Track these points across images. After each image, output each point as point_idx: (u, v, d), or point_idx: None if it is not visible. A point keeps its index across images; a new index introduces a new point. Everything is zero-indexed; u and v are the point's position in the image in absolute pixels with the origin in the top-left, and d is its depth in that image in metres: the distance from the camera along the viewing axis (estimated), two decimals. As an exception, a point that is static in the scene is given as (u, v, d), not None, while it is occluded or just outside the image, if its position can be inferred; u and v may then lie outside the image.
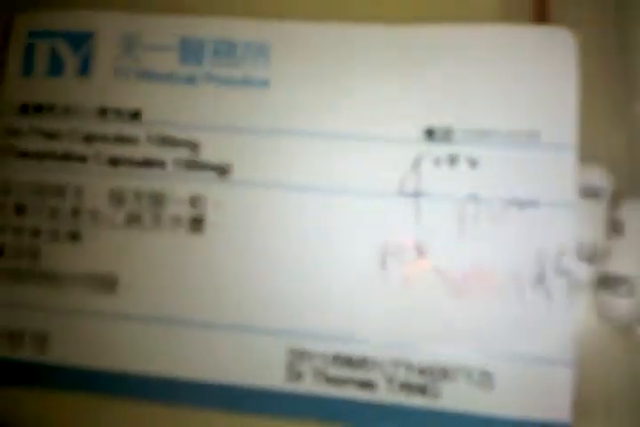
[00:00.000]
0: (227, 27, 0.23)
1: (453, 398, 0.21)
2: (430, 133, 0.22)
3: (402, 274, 0.21)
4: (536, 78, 0.22)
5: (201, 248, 0.23)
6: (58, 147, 0.23)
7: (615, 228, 0.20)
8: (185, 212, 0.23)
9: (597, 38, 0.22)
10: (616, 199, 0.21)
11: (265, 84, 0.23)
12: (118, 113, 0.23)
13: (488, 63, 0.22)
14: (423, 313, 0.21)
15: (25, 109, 0.24)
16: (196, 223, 0.23)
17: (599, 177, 0.21)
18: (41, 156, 0.23)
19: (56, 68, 0.24)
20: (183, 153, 0.23)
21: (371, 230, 0.22)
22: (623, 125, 0.21)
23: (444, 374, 0.21)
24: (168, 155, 0.23)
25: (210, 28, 0.23)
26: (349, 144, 0.22)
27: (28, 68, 0.24)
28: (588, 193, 0.21)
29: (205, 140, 0.23)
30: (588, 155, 0.21)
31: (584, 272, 0.20)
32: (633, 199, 0.21)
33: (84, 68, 0.23)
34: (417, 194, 0.22)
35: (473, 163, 0.21)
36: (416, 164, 0.22)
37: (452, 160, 0.22)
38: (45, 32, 0.24)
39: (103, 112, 0.23)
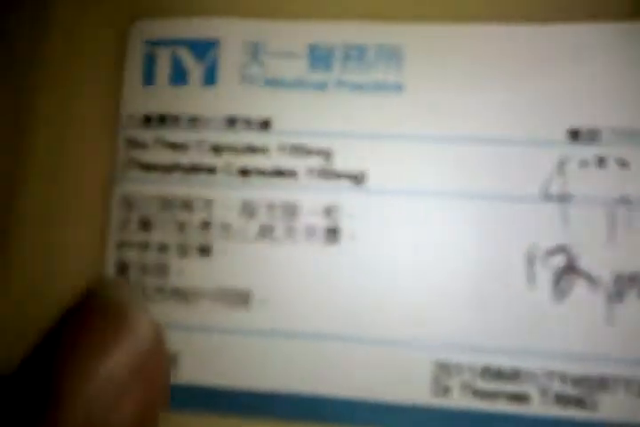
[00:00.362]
0: (357, 31, 0.23)
1: (611, 409, 0.20)
2: (575, 135, 0.21)
3: (551, 282, 0.21)
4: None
5: (337, 260, 0.22)
6: (184, 158, 0.23)
7: None
8: (319, 222, 0.22)
9: None
10: None
11: (399, 88, 0.22)
12: (247, 122, 0.23)
13: (632, 61, 0.22)
14: (576, 320, 0.21)
15: (148, 121, 0.23)
16: (332, 234, 0.22)
17: None
18: (167, 168, 0.23)
19: (179, 77, 0.23)
20: (316, 162, 0.22)
21: (515, 237, 0.21)
22: None
23: (601, 384, 0.20)
24: (300, 164, 0.22)
25: (339, 33, 0.23)
26: (489, 148, 0.22)
27: (148, 79, 0.23)
28: None
29: (338, 148, 0.22)
30: None
31: None
32: None
33: (210, 77, 0.23)
34: (563, 198, 0.21)
35: (623, 164, 0.21)
36: (560, 166, 0.21)
37: (600, 162, 0.21)
38: (166, 40, 0.23)
39: (231, 122, 0.23)
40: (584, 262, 0.21)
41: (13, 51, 0.24)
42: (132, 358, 0.14)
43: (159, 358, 0.15)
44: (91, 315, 0.15)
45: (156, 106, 0.23)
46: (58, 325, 0.15)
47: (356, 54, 0.23)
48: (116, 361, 0.14)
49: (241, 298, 0.22)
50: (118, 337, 0.14)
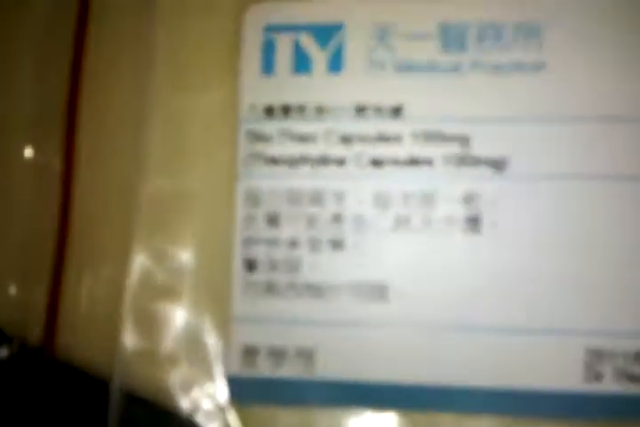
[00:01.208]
0: (490, 8, 0.22)
1: None
2: None
3: None
4: None
5: (478, 249, 0.22)
6: (312, 150, 0.22)
7: None
8: (458, 211, 0.22)
9: None
10: None
11: (539, 68, 0.22)
12: (377, 110, 0.22)
13: None
14: None
15: (270, 112, 0.23)
16: (472, 223, 0.22)
17: None
18: (293, 161, 0.23)
19: (302, 64, 0.23)
20: (453, 149, 0.22)
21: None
22: None
23: None
24: (436, 152, 0.22)
25: (472, 11, 0.22)
26: (636, 127, 0.21)
27: (268, 67, 0.23)
28: None
29: (477, 134, 0.22)
30: None
31: None
32: None
33: (336, 64, 0.23)
34: None
35: None
36: None
37: None
38: (286, 26, 0.23)
39: (361, 110, 0.22)
40: None
41: (124, 45, 0.24)
42: None
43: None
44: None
45: (278, 96, 0.23)
46: None
47: (491, 33, 0.22)
48: None
49: (377, 291, 0.22)
50: None
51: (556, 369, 0.21)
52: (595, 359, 0.21)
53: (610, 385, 0.21)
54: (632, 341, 0.21)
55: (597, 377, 0.21)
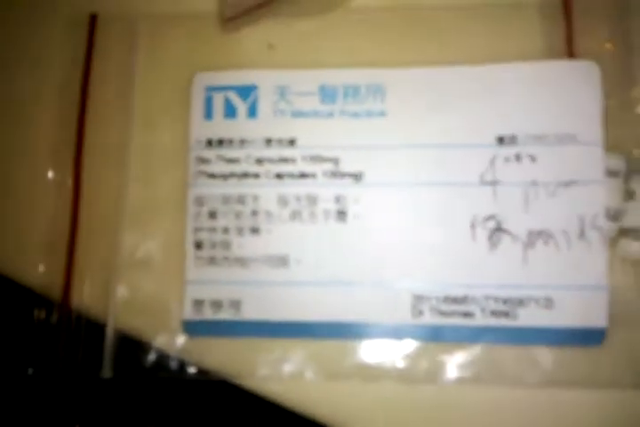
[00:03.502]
0: (352, 75, 0.36)
1: (526, 318, 0.33)
2: (501, 140, 0.34)
3: (486, 238, 0.34)
4: (573, 98, 0.34)
5: (346, 232, 0.35)
6: (237, 169, 0.36)
7: (628, 196, 0.33)
8: (332, 207, 0.35)
9: (611, 65, 0.34)
10: (628, 176, 0.33)
11: (382, 114, 0.36)
12: (279, 141, 0.36)
13: (539, 89, 0.34)
14: (503, 263, 0.33)
15: (210, 143, 0.37)
16: (341, 215, 0.35)
17: (618, 162, 0.33)
18: (225, 176, 0.36)
19: (231, 112, 0.37)
20: (328, 166, 0.35)
21: (464, 210, 0.34)
22: (632, 126, 0.34)
23: (519, 303, 0.33)
24: (318, 168, 0.35)
25: (340, 77, 0.36)
26: (446, 151, 0.35)
27: (208, 114, 0.37)
28: (611, 173, 0.33)
29: (344, 156, 0.35)
30: (610, 147, 0.33)
31: (611, 227, 0.33)
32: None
33: (253, 112, 0.36)
34: (494, 183, 0.34)
35: (532, 159, 0.34)
36: (492, 162, 0.34)
37: (518, 158, 0.34)
38: (220, 86, 0.37)
39: (268, 142, 0.36)
40: (508, 225, 0.34)
41: (113, 96, 0.38)
42: None
43: None
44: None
45: (215, 133, 0.36)
46: None
47: (352, 92, 0.36)
48: None
49: (282, 261, 0.35)
50: None
51: (393, 308, 0.34)
52: (417, 301, 0.34)
53: (428, 319, 0.34)
54: (440, 288, 0.34)
55: (420, 313, 0.34)
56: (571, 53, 0.34)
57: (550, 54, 0.35)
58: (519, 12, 0.35)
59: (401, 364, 0.33)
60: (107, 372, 0.35)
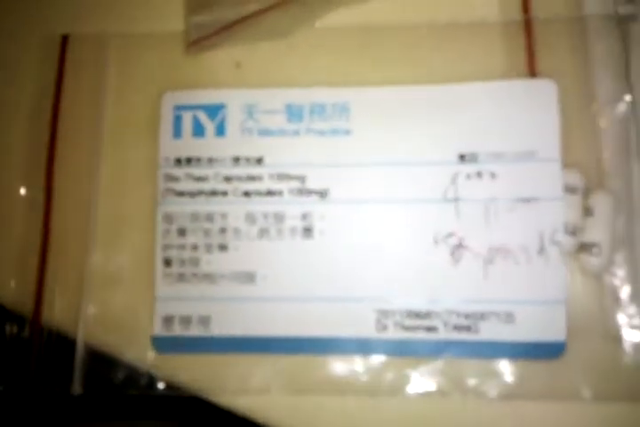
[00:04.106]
0: (318, 94, 0.37)
1: (488, 332, 0.34)
2: (462, 157, 0.36)
3: (448, 254, 0.35)
4: (532, 116, 0.35)
5: (312, 248, 0.36)
6: (206, 186, 0.37)
7: (587, 212, 0.34)
8: (299, 224, 0.36)
9: (571, 83, 0.36)
10: (587, 192, 0.34)
11: (348, 132, 0.37)
12: (247, 160, 0.37)
13: (499, 107, 0.36)
14: (465, 278, 0.34)
15: (179, 162, 0.38)
16: (307, 232, 0.36)
17: (576, 179, 0.35)
18: (194, 194, 0.37)
19: (199, 131, 0.38)
20: (295, 184, 0.36)
21: (427, 226, 0.35)
22: (590, 142, 0.35)
23: (481, 317, 0.34)
24: (284, 186, 0.36)
25: (306, 96, 0.37)
26: (411, 168, 0.36)
27: (177, 133, 0.38)
28: (570, 190, 0.34)
29: (310, 174, 0.36)
30: (568, 164, 0.35)
31: (570, 242, 0.34)
32: (598, 192, 0.35)
33: (221, 130, 0.37)
34: (456, 200, 0.35)
35: (493, 176, 0.35)
36: (453, 179, 0.35)
37: (479, 175, 0.35)
38: (189, 106, 0.38)
39: (236, 160, 0.37)
40: (469, 241, 0.35)
41: (85, 114, 0.39)
42: None
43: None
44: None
45: (183, 152, 0.38)
46: None
47: (318, 110, 0.37)
48: None
49: (249, 277, 0.36)
50: None
51: (358, 323, 0.35)
52: (382, 316, 0.35)
53: (392, 333, 0.35)
54: (404, 303, 0.35)
55: (384, 328, 0.35)
56: (532, 72, 0.35)
57: (512, 73, 0.36)
58: (481, 31, 0.36)
59: (366, 378, 0.34)
60: (77, 388, 0.36)
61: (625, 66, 0.34)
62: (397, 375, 0.34)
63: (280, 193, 0.36)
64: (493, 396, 0.33)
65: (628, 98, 0.34)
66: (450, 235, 0.34)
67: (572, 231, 0.33)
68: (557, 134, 0.34)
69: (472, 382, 0.33)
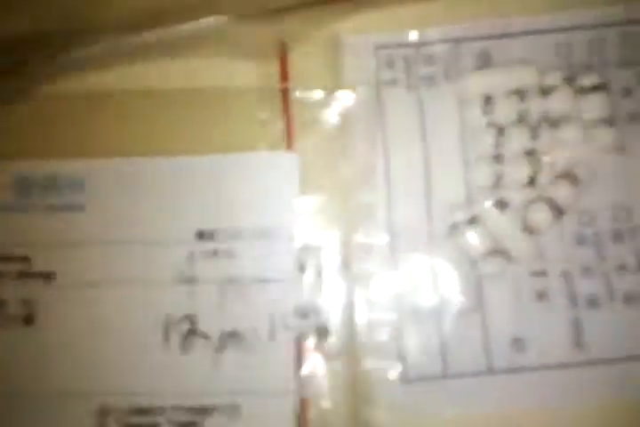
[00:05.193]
0: (49, 166, 0.34)
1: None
2: (201, 235, 0.32)
3: (179, 341, 0.31)
4: (272, 191, 0.32)
5: (34, 339, 0.32)
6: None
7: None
8: (20, 312, 0.32)
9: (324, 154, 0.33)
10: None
11: (81, 208, 0.33)
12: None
13: (240, 182, 0.33)
14: (194, 367, 0.31)
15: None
16: (30, 318, 0.32)
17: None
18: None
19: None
20: (16, 266, 0.33)
21: (157, 310, 0.31)
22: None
23: (205, 411, 0.30)
24: (3, 268, 0.33)
25: (37, 167, 0.34)
26: (144, 247, 0.32)
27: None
28: (302, 268, 0.31)
29: (36, 255, 0.33)
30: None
31: (301, 325, 0.31)
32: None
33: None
34: (191, 280, 0.32)
35: (230, 254, 0.32)
36: (189, 258, 0.32)
37: (215, 253, 0.32)
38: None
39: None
40: (202, 326, 0.31)
41: None
42: None
43: None
44: None
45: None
46: None
47: (49, 183, 0.33)
48: None
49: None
50: None
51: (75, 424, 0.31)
52: (102, 415, 0.31)
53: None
54: (127, 399, 0.31)
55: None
56: (289, 144, 0.33)
57: (269, 145, 0.33)
58: (235, 99, 0.33)
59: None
60: None
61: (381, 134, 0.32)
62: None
63: (2, 276, 0.32)
64: None
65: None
66: (182, 319, 0.31)
67: (303, 313, 0.30)
68: (293, 210, 0.31)
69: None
